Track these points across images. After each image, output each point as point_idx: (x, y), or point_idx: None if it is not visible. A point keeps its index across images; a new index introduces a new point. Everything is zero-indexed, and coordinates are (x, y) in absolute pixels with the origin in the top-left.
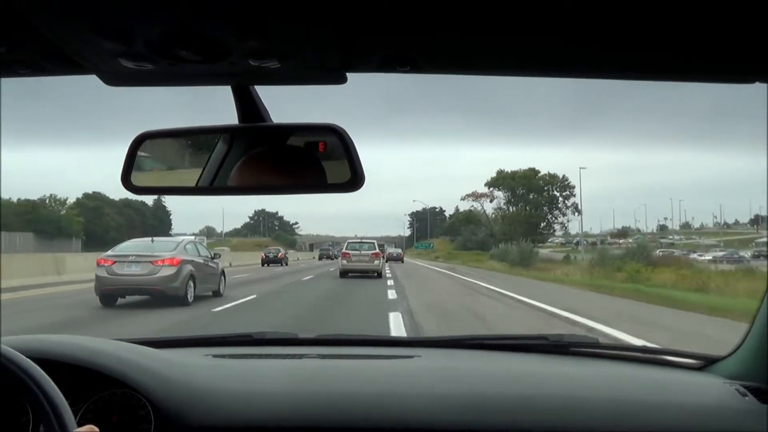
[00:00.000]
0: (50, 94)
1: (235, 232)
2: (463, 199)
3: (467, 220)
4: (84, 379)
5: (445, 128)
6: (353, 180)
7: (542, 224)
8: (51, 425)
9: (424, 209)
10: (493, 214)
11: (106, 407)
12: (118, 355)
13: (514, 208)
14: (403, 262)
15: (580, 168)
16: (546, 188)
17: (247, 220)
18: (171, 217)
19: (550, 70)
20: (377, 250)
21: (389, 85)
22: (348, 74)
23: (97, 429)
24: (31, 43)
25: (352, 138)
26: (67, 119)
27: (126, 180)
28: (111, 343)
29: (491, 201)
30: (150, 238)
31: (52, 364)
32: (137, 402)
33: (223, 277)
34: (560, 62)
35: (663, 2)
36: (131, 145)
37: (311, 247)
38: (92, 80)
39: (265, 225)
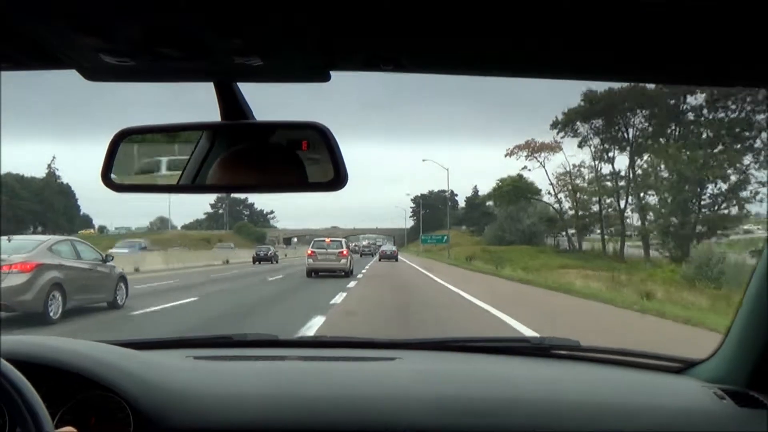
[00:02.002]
0: (29, 88)
1: (197, 224)
2: (509, 154)
3: (515, 192)
4: (62, 381)
5: (445, 124)
6: (336, 179)
7: (710, 187)
8: (28, 429)
9: (431, 192)
10: (559, 182)
11: (84, 409)
12: (96, 357)
13: (618, 165)
14: (397, 260)
15: None
16: (719, 106)
17: (209, 209)
18: (77, 200)
19: (535, 71)
20: (344, 249)
21: (377, 82)
22: (332, 72)
23: (75, 431)
24: (9, 37)
25: (335, 136)
26: (47, 113)
27: (106, 177)
28: (90, 345)
29: (583, 143)
30: (7, 237)
31: (30, 365)
32: (116, 404)
33: (123, 284)
34: (546, 63)
35: (666, 7)
36: (111, 141)
37: (288, 242)
38: (72, 75)
39: (229, 214)
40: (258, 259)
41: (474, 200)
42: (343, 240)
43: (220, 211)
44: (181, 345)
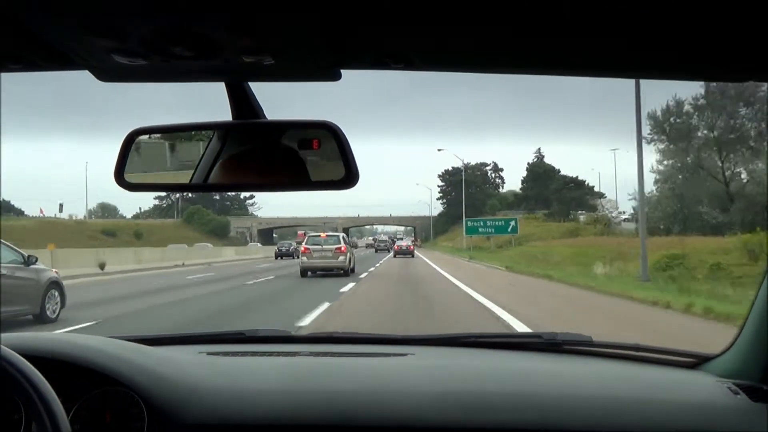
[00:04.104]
0: (41, 88)
1: (153, 210)
2: None
3: None
4: (77, 377)
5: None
6: (347, 177)
7: None
8: (43, 424)
9: (467, 166)
10: None
11: (99, 405)
12: (111, 353)
13: None
14: (413, 256)
15: None
16: None
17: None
18: None
19: (545, 68)
20: (342, 244)
21: (389, 79)
22: (342, 71)
23: None
24: (21, 38)
25: (347, 135)
26: (59, 114)
27: (119, 176)
28: (104, 341)
29: None
30: None
31: (46, 361)
32: (130, 399)
33: (56, 292)
34: (555, 60)
35: (657, 2)
36: (124, 141)
37: (266, 238)
38: (84, 75)
39: (186, 200)
40: (280, 255)
41: (539, 168)
42: (341, 235)
43: (176, 195)
44: (193, 341)
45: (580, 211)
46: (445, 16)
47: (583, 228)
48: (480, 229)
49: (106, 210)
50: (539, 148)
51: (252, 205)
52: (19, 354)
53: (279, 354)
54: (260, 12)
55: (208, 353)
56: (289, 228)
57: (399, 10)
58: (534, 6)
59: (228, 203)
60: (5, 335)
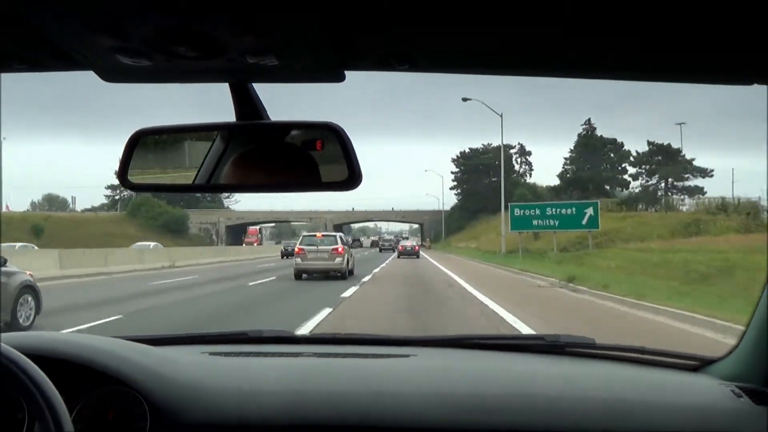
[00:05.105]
0: (45, 89)
1: (112, 203)
2: None
3: None
4: (80, 376)
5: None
6: (350, 178)
7: None
8: (46, 423)
9: (486, 147)
10: None
11: (102, 404)
12: (114, 353)
13: None
14: (418, 257)
15: None
16: None
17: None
18: None
19: (549, 69)
20: (339, 245)
21: (393, 77)
22: (346, 72)
23: None
24: (26, 38)
25: (350, 136)
26: (63, 114)
27: (123, 177)
28: (108, 341)
29: None
30: None
31: (49, 360)
32: (133, 399)
33: (29, 297)
34: (559, 61)
35: (662, 4)
36: (128, 142)
37: (238, 236)
38: (89, 76)
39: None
40: (285, 254)
41: (595, 141)
42: (339, 235)
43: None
44: (196, 341)
45: (681, 196)
46: (449, 17)
47: (705, 220)
48: (534, 222)
49: (54, 202)
50: (589, 119)
51: (228, 197)
52: (22, 353)
53: (282, 355)
54: (262, 12)
55: (211, 353)
56: (266, 224)
57: (402, 10)
58: (536, 7)
59: (198, 195)
60: (7, 334)
